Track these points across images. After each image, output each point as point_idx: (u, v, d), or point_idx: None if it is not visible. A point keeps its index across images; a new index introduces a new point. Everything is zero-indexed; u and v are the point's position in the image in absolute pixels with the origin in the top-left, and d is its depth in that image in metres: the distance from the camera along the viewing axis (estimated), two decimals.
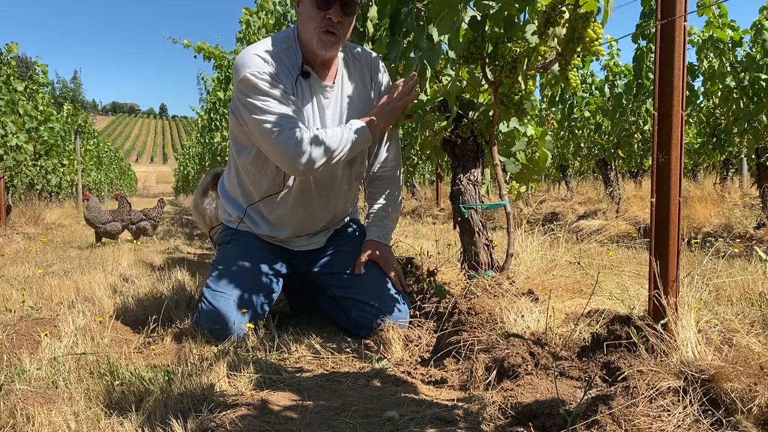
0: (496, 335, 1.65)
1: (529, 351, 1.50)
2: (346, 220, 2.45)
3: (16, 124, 6.98)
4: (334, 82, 2.17)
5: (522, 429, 1.20)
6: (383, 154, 2.32)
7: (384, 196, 2.31)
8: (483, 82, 2.03)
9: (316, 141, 1.97)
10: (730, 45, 4.86)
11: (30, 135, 7.56)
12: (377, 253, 2.22)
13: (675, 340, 1.31)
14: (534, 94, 2.31)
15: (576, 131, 7.81)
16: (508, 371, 1.46)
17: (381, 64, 2.28)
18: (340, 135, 2.02)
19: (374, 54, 2.29)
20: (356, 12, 2.10)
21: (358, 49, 2.26)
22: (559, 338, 1.63)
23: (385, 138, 2.30)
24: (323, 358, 1.86)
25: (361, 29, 2.55)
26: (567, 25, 1.66)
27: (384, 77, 2.28)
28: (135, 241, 5.51)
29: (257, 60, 2.00)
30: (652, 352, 1.33)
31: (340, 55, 2.18)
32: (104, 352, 1.81)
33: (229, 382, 1.56)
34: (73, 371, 1.63)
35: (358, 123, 2.06)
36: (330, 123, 2.16)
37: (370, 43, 2.58)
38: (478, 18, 1.88)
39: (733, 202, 6.77)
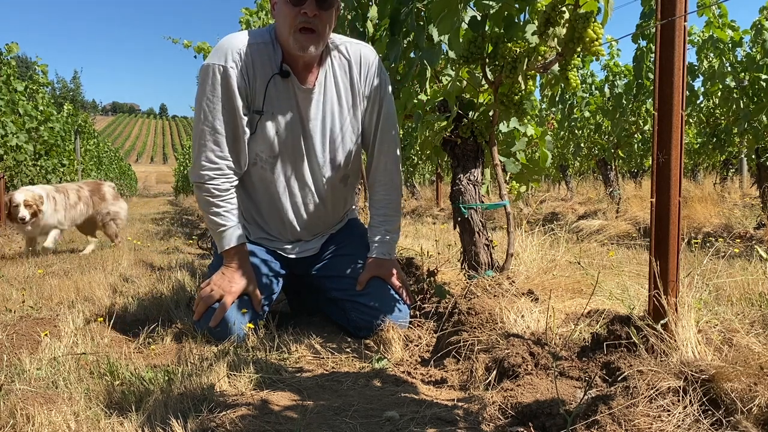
0: (496, 335, 1.65)
1: (529, 351, 1.50)
2: (343, 222, 2.41)
3: (16, 124, 6.98)
4: (315, 85, 2.09)
5: (522, 429, 1.20)
6: (379, 159, 2.21)
7: (383, 205, 2.22)
8: (483, 82, 2.03)
9: (205, 184, 2.07)
10: (730, 45, 4.87)
11: (30, 135, 7.55)
12: (381, 270, 2.17)
13: (675, 340, 1.31)
14: (534, 94, 2.32)
15: (576, 131, 7.82)
16: (508, 371, 1.46)
17: (371, 60, 2.15)
18: (208, 208, 2.09)
19: (365, 49, 2.16)
20: (334, 6, 2.00)
21: (347, 44, 2.14)
22: (559, 338, 1.63)
23: (377, 144, 2.19)
24: (323, 358, 1.86)
25: (361, 29, 2.55)
26: (567, 25, 1.67)
27: (370, 76, 2.14)
28: None
29: (230, 55, 2.00)
30: (652, 352, 1.33)
31: (327, 53, 2.10)
32: (104, 352, 1.81)
33: (229, 382, 1.56)
34: (73, 371, 1.63)
35: (231, 233, 2.09)
36: (313, 126, 2.11)
37: (370, 43, 2.58)
38: (478, 18, 1.88)
39: (733, 202, 6.78)
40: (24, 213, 4.46)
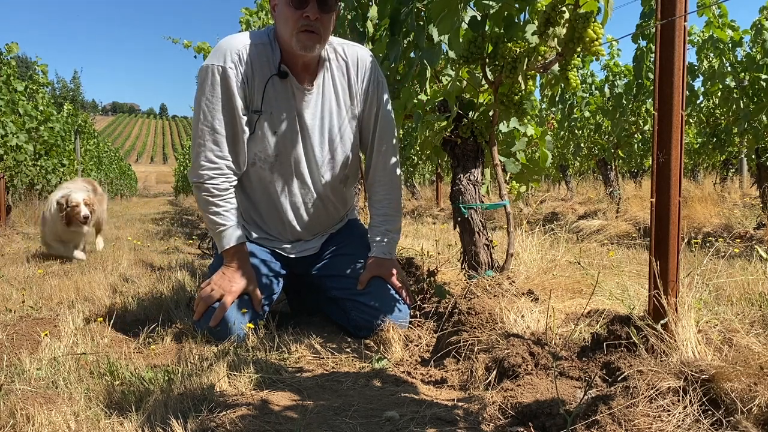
0: (496, 335, 1.65)
1: (529, 351, 1.50)
2: (343, 222, 2.41)
3: (16, 124, 6.98)
4: (313, 85, 2.11)
5: (522, 429, 1.20)
6: (378, 159, 2.21)
7: (384, 205, 2.23)
8: (483, 82, 2.03)
9: (204, 184, 2.08)
10: (730, 45, 4.87)
11: (30, 135, 7.55)
12: (382, 270, 2.17)
13: (675, 340, 1.31)
14: (534, 94, 2.32)
15: (576, 131, 7.82)
16: (508, 371, 1.46)
17: (368, 62, 2.17)
18: (207, 208, 2.09)
19: (362, 51, 2.19)
20: (335, 9, 2.03)
21: (344, 46, 2.16)
22: (559, 338, 1.63)
23: (376, 144, 2.20)
24: (323, 358, 1.86)
25: (361, 29, 2.55)
26: (567, 25, 1.67)
27: (367, 77, 2.16)
28: None
29: (229, 56, 2.02)
30: (652, 352, 1.33)
31: (325, 55, 2.11)
32: (104, 352, 1.81)
33: (229, 382, 1.56)
34: (73, 371, 1.63)
35: (231, 233, 2.09)
36: (311, 126, 2.12)
37: (370, 43, 2.58)
38: (478, 18, 1.88)
39: (733, 202, 6.78)
40: (86, 212, 4.20)
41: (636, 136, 6.95)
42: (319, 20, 1.97)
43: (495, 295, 1.91)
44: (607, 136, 7.10)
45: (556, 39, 1.70)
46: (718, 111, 6.08)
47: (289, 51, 2.04)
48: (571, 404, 1.23)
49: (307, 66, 2.10)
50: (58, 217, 4.21)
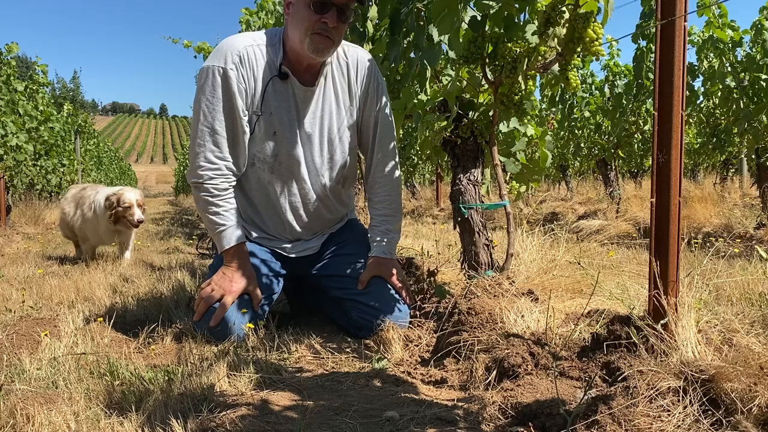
0: (496, 335, 1.65)
1: (529, 351, 1.50)
2: (343, 222, 2.42)
3: (16, 124, 6.98)
4: (315, 86, 2.12)
5: (522, 429, 1.20)
6: (378, 160, 2.22)
7: (384, 205, 2.24)
8: (483, 82, 2.03)
9: (204, 184, 2.08)
10: (730, 45, 4.87)
11: (30, 135, 7.55)
12: (382, 269, 2.17)
13: (675, 340, 1.31)
14: (534, 94, 2.32)
15: (576, 131, 7.82)
16: (508, 371, 1.46)
17: (368, 64, 2.18)
18: (207, 208, 2.09)
19: (361, 53, 2.20)
20: (350, 20, 2.05)
21: (345, 48, 2.18)
22: (559, 338, 1.63)
23: (377, 145, 2.21)
24: (323, 358, 1.86)
25: (361, 29, 2.55)
26: (567, 25, 1.67)
27: (367, 78, 2.18)
28: None
29: (230, 57, 2.02)
30: (652, 352, 1.33)
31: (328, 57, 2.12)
32: (104, 352, 1.81)
33: (229, 382, 1.56)
34: (73, 371, 1.63)
35: (230, 233, 2.09)
36: (310, 127, 2.13)
37: (370, 43, 2.57)
38: (478, 18, 1.88)
39: (733, 202, 6.78)
40: (140, 215, 3.88)
41: (636, 136, 6.95)
42: (336, 28, 1.99)
43: (495, 295, 1.91)
44: (607, 136, 7.10)
45: (556, 39, 1.70)
46: (718, 111, 6.08)
47: (298, 52, 2.05)
48: (571, 404, 1.23)
49: (312, 66, 2.11)
50: (104, 216, 3.89)
